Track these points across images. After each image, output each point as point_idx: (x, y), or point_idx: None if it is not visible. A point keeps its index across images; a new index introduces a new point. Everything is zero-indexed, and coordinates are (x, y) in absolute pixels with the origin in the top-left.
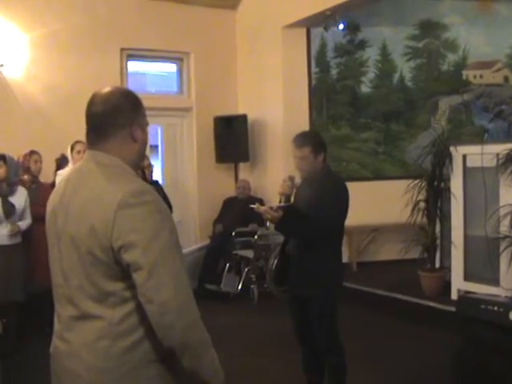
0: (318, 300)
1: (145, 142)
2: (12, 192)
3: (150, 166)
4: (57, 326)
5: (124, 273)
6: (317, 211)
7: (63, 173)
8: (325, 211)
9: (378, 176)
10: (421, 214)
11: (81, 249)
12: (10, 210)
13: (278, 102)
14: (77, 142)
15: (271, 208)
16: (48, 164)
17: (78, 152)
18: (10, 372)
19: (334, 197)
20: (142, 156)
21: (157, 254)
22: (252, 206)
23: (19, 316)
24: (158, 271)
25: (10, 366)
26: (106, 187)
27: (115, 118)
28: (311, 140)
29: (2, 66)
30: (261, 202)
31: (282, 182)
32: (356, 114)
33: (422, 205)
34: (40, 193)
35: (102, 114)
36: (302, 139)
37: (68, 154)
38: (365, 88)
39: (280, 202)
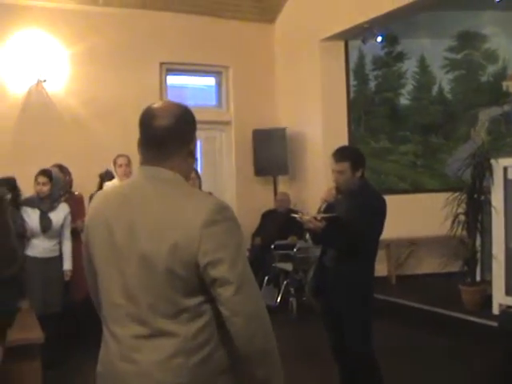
0: (352, 312)
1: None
2: (53, 208)
3: (199, 178)
4: (114, 346)
5: (201, 288)
6: (355, 224)
7: (109, 185)
8: (362, 225)
9: (417, 189)
10: (461, 227)
11: (157, 267)
12: (46, 225)
13: (316, 115)
14: (119, 155)
15: (315, 218)
16: (88, 176)
17: (120, 166)
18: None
19: (371, 211)
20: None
21: (241, 268)
22: (295, 215)
23: (58, 327)
24: (244, 285)
25: (53, 377)
26: (183, 204)
27: (179, 135)
28: (350, 155)
29: (44, 81)
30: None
31: (326, 189)
32: (395, 126)
33: (462, 218)
34: (71, 206)
35: (165, 130)
36: (341, 154)
37: (111, 167)
38: (403, 100)
39: (320, 208)
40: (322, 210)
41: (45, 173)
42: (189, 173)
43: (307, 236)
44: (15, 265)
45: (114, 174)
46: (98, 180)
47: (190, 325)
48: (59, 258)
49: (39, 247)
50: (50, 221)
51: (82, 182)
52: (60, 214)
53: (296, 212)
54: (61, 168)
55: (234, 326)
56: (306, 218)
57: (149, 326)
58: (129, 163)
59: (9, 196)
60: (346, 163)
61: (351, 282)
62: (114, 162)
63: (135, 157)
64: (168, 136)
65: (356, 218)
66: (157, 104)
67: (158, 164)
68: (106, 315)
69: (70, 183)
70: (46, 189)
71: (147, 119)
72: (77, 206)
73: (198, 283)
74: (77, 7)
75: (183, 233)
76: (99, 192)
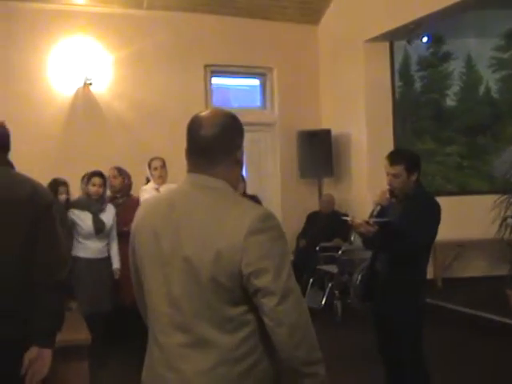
0: (403, 317)
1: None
2: (102, 209)
3: (244, 181)
4: (157, 354)
5: (245, 297)
6: (409, 229)
7: (147, 188)
8: (417, 230)
9: (464, 190)
10: (509, 230)
11: (201, 275)
12: (100, 227)
13: (361, 117)
14: (153, 158)
15: (367, 222)
16: (134, 179)
17: (156, 168)
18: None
19: (426, 216)
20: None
21: (285, 278)
22: (346, 218)
23: (107, 328)
24: (288, 295)
25: (100, 378)
26: (228, 213)
27: (226, 143)
28: (406, 158)
29: (90, 84)
30: (346, 216)
31: (379, 192)
32: (440, 127)
33: (510, 221)
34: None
35: (212, 139)
36: (396, 157)
37: (147, 170)
38: (449, 101)
39: (373, 212)
40: (375, 213)
41: (101, 175)
42: (236, 181)
43: (352, 238)
44: (64, 270)
45: (150, 176)
46: (144, 182)
47: (235, 334)
48: (108, 259)
49: (92, 249)
50: (102, 223)
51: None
52: (109, 215)
53: (341, 214)
54: (119, 171)
55: (277, 337)
56: (358, 222)
57: (193, 335)
58: (163, 165)
59: (64, 196)
60: (400, 166)
61: (403, 288)
62: (149, 165)
63: (179, 159)
64: (215, 144)
65: (411, 223)
66: (204, 112)
67: (205, 172)
68: (151, 322)
69: (128, 186)
70: (101, 190)
71: (194, 128)
72: (134, 209)
73: (242, 292)
74: (122, 11)
75: (227, 241)
76: (145, 199)
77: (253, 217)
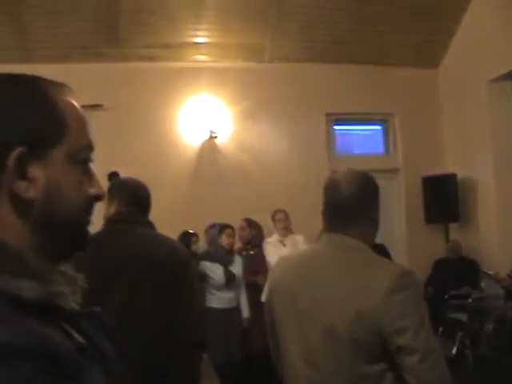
0: None
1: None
2: (232, 261)
3: None
4: None
5: (383, 355)
6: None
7: (271, 241)
8: None
9: None
10: None
11: (340, 334)
12: (231, 278)
13: (488, 159)
14: (277, 211)
15: (510, 277)
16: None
17: (279, 220)
18: None
19: None
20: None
21: (426, 335)
22: (488, 272)
23: (237, 377)
24: (429, 353)
25: None
26: (367, 272)
27: (362, 203)
28: None
29: (215, 137)
30: (474, 263)
31: None
32: None
33: None
34: (257, 260)
35: (349, 198)
36: None
37: (271, 222)
38: None
39: None
40: None
41: (232, 227)
42: (372, 240)
43: (482, 285)
44: (201, 327)
45: (273, 228)
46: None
47: None
48: (237, 309)
49: (223, 299)
50: (233, 274)
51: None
52: (238, 266)
53: (469, 260)
54: (249, 222)
55: None
56: (502, 277)
57: None
58: (287, 218)
59: (195, 247)
60: None
61: None
62: (273, 217)
63: (303, 209)
64: (351, 204)
65: None
66: (340, 172)
67: (341, 231)
68: (285, 377)
69: (259, 237)
70: (233, 242)
71: (331, 187)
72: (263, 259)
73: (381, 350)
74: (243, 65)
75: (367, 300)
76: (282, 257)
77: (392, 275)
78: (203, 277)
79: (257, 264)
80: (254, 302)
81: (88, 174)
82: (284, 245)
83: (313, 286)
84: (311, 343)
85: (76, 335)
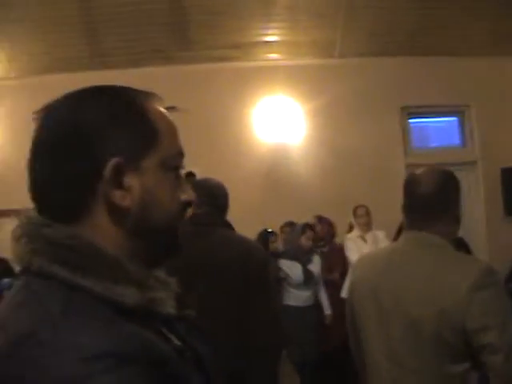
0: None
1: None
2: (310, 260)
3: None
4: None
5: (467, 354)
6: None
7: (351, 236)
8: None
9: None
10: None
11: (424, 332)
12: (309, 277)
13: None
14: (358, 206)
15: None
16: (340, 228)
17: (361, 216)
18: None
19: None
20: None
21: (509, 335)
22: None
23: (314, 374)
24: None
25: None
26: (450, 269)
27: (444, 200)
28: None
29: (289, 135)
30: None
31: None
32: None
33: None
34: (331, 256)
35: (431, 196)
36: None
37: (352, 218)
38: None
39: None
40: None
41: (313, 227)
42: (454, 236)
43: None
44: (278, 329)
45: (354, 224)
46: (346, 229)
47: None
48: (315, 307)
49: (300, 297)
50: (311, 273)
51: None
52: (317, 265)
53: None
54: (320, 219)
55: None
56: None
57: None
58: (368, 213)
59: (274, 246)
60: None
61: None
62: (354, 213)
63: (380, 204)
64: (433, 202)
65: None
66: (421, 170)
67: (423, 229)
68: (366, 374)
69: (331, 234)
70: (311, 241)
71: (413, 185)
72: (337, 256)
73: (465, 349)
74: (315, 61)
75: (451, 297)
76: (363, 255)
77: (475, 272)
78: (282, 276)
79: (330, 261)
80: (333, 299)
81: (179, 181)
82: (365, 241)
83: (395, 284)
84: (394, 340)
85: (174, 339)
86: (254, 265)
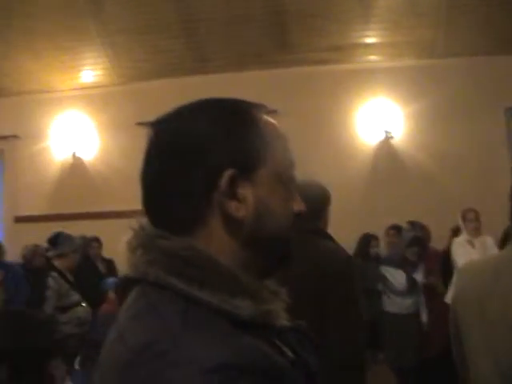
0: None
1: None
2: (414, 268)
3: None
4: None
5: None
6: None
7: (460, 241)
8: None
9: None
10: None
11: None
12: (412, 286)
13: None
14: (467, 210)
15: None
16: (437, 231)
17: (470, 221)
18: None
19: None
20: None
21: None
22: None
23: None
24: None
25: None
26: None
27: None
28: None
29: (391, 137)
30: None
31: None
32: None
33: None
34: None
35: None
36: None
37: (460, 222)
38: None
39: None
40: None
41: (422, 240)
42: None
43: None
44: (359, 348)
45: (463, 228)
46: (449, 234)
47: None
48: (416, 314)
49: (401, 304)
50: (416, 282)
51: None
52: (420, 274)
53: None
54: (412, 224)
55: None
56: None
57: None
58: (477, 218)
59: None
60: None
61: None
62: (463, 217)
63: (483, 209)
64: None
65: None
66: None
67: None
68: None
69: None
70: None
71: None
72: (433, 260)
73: None
74: (416, 62)
75: None
76: (470, 262)
77: None
78: (384, 280)
79: (426, 265)
80: (432, 304)
81: (291, 191)
82: (473, 246)
83: (501, 295)
84: (498, 352)
85: (287, 350)
86: (330, 280)
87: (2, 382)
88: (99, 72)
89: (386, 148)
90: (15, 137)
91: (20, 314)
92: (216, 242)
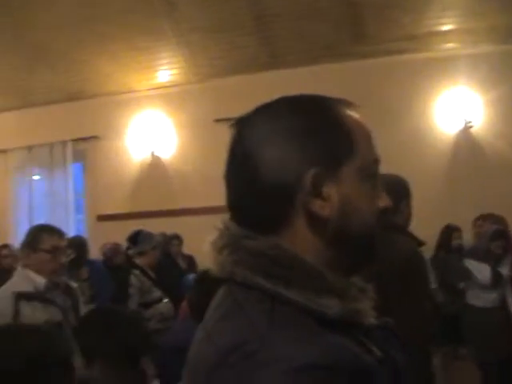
0: None
1: None
2: (500, 261)
3: None
4: None
5: None
6: None
7: None
8: None
9: None
10: None
11: None
12: (497, 280)
13: None
14: None
15: None
16: None
17: None
18: None
19: None
20: None
21: None
22: None
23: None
24: None
25: None
26: None
27: None
28: None
29: (471, 126)
30: None
31: None
32: None
33: None
34: None
35: None
36: None
37: None
38: None
39: None
40: None
41: (507, 232)
42: None
43: None
44: (424, 333)
45: None
46: None
47: None
48: (500, 308)
49: (486, 298)
50: (501, 276)
51: None
52: (505, 266)
53: None
54: (484, 218)
55: None
56: None
57: None
58: None
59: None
60: None
61: None
62: None
63: None
64: None
65: None
66: None
67: None
68: None
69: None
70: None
71: None
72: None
73: None
74: (495, 48)
75: None
76: None
77: None
78: (467, 273)
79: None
80: None
81: (376, 187)
82: None
83: None
84: None
85: (375, 349)
86: (388, 275)
87: (96, 379)
88: (175, 71)
89: (466, 136)
90: (95, 138)
91: (109, 311)
92: (301, 241)
